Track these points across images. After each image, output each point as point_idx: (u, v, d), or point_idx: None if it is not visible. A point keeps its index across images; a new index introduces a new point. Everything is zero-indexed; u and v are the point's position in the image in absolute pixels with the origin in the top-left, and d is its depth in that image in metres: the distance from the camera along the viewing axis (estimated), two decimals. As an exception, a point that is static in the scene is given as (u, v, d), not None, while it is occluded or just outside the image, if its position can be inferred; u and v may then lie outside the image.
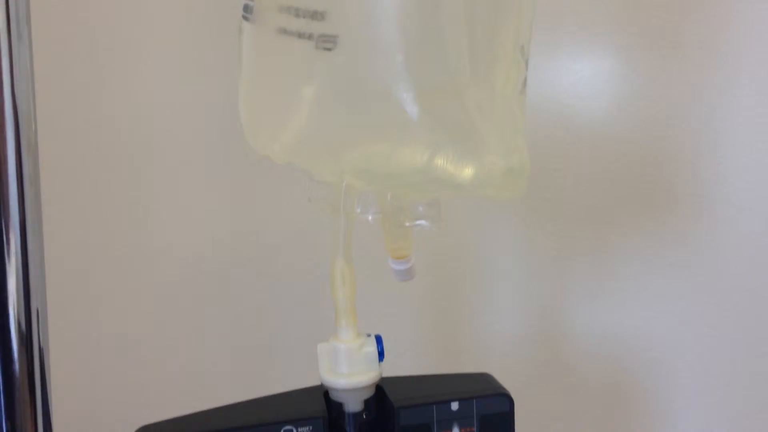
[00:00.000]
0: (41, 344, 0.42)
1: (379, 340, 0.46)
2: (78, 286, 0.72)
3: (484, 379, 0.49)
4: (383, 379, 0.48)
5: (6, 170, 0.39)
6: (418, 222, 0.42)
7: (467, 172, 0.37)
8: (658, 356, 0.77)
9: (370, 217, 0.43)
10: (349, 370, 0.45)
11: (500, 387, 0.47)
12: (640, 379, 0.77)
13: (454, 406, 0.46)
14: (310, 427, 0.44)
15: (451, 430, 0.46)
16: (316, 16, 0.40)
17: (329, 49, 0.40)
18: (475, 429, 0.46)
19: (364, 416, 0.46)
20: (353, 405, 0.46)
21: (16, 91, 0.39)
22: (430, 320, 0.76)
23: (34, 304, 0.41)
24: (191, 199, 0.72)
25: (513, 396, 0.46)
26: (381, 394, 0.47)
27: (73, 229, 0.71)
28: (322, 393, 0.47)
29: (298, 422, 0.44)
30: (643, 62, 0.72)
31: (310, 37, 0.40)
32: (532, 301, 0.76)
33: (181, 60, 0.71)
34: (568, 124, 0.73)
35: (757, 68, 0.72)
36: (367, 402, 0.46)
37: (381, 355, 0.46)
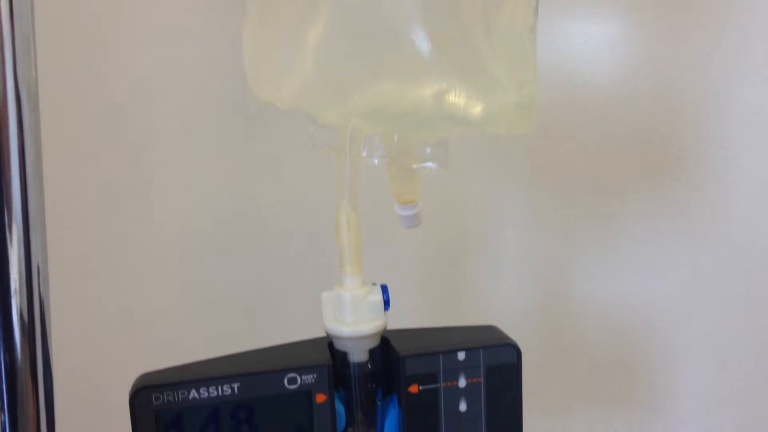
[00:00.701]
0: (41, 295, 0.41)
1: (384, 289, 0.45)
2: (79, 251, 0.71)
3: (491, 330, 0.48)
4: (388, 332, 0.47)
5: (7, 123, 0.39)
6: (425, 164, 0.42)
7: (478, 107, 0.37)
8: (664, 325, 0.76)
9: (376, 161, 0.42)
10: (353, 318, 0.44)
11: (507, 338, 0.46)
12: (647, 348, 0.77)
13: (461, 355, 0.45)
14: (315, 375, 0.43)
15: (457, 380, 0.45)
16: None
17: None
18: (481, 379, 0.45)
19: (369, 366, 0.45)
20: (358, 354, 0.45)
21: (16, 35, 0.39)
22: (433, 290, 0.75)
23: (35, 260, 0.40)
24: (192, 166, 0.72)
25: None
26: (386, 344, 0.46)
27: (74, 196, 0.70)
28: (327, 344, 0.46)
29: (302, 370, 0.43)
30: (650, 27, 0.71)
31: (315, -23, 0.40)
32: (538, 269, 0.75)
33: (181, 28, 0.70)
34: (573, 90, 0.72)
35: (765, 33, 0.71)
36: (372, 352, 0.45)
37: (387, 304, 0.45)
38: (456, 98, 0.37)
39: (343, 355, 0.45)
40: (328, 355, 0.45)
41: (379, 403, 0.46)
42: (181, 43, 0.70)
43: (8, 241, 0.39)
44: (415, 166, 0.41)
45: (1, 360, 0.38)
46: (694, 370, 0.77)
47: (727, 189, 0.73)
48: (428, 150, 0.41)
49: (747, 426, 0.78)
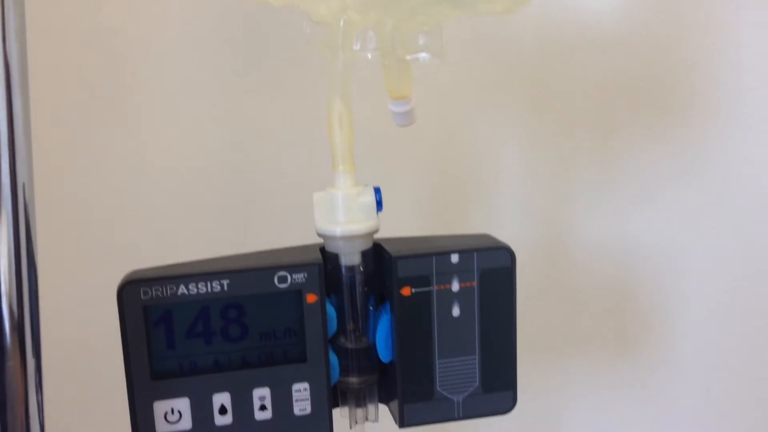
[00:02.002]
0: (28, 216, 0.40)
1: (377, 190, 0.44)
2: (72, 193, 0.71)
3: (485, 237, 0.47)
4: (381, 239, 0.47)
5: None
6: (419, 55, 0.41)
7: None
8: (662, 264, 0.75)
9: (369, 55, 0.42)
10: (345, 218, 0.44)
11: (501, 242, 0.46)
12: (645, 287, 0.76)
13: (454, 258, 0.44)
14: (305, 274, 0.43)
15: (450, 283, 0.45)
16: None
17: None
18: (475, 283, 0.45)
19: (361, 269, 0.45)
20: (350, 257, 0.44)
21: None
22: (428, 228, 0.75)
23: (20, 180, 0.40)
24: (188, 109, 0.71)
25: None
26: (379, 249, 0.46)
27: (67, 137, 0.70)
28: (319, 249, 0.46)
29: (292, 268, 0.43)
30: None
31: None
32: (536, 207, 0.74)
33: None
34: (575, 24, 0.71)
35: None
36: (364, 255, 0.45)
37: (379, 204, 0.44)
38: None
39: (335, 258, 0.44)
40: (320, 256, 0.44)
41: (371, 309, 0.46)
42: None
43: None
44: (409, 57, 0.41)
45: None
46: (695, 310, 0.76)
47: (732, 125, 0.73)
48: (421, 40, 0.40)
49: (751, 366, 0.77)
